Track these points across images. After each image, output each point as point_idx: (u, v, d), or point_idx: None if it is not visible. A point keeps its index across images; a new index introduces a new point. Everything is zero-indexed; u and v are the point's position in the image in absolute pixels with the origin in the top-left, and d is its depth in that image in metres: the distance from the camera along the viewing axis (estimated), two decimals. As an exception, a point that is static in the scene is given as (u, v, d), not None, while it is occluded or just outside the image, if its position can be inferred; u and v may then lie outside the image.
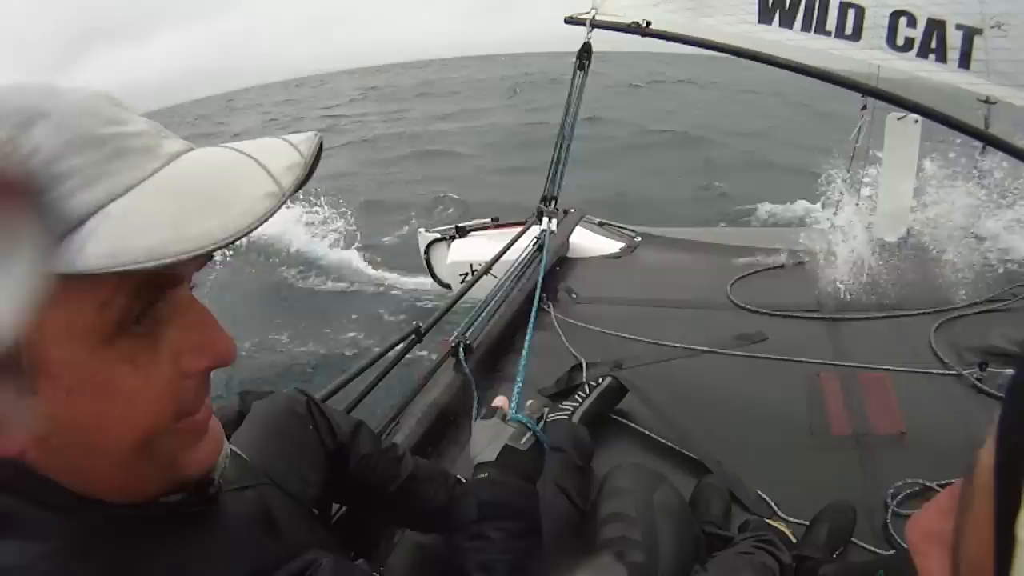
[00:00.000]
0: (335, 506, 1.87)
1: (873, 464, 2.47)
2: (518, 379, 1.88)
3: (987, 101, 3.69)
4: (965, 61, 3.11)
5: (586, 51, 4.10)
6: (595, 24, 4.01)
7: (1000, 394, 1.78)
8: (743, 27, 3.60)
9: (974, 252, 4.40)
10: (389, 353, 2.78)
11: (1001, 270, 4.10)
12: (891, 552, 2.05)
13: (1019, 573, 0.31)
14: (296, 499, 1.23)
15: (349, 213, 10.82)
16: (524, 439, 1.45)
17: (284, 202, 0.59)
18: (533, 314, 2.76)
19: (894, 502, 2.23)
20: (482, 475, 1.40)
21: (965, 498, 0.37)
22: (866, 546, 2.10)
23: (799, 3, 3.42)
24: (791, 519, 2.20)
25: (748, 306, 3.73)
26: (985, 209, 4.69)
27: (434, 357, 3.05)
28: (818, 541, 2.03)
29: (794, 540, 2.03)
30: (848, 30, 3.33)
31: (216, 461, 0.78)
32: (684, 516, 1.80)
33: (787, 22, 3.48)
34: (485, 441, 1.45)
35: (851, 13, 3.31)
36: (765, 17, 3.53)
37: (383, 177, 15.20)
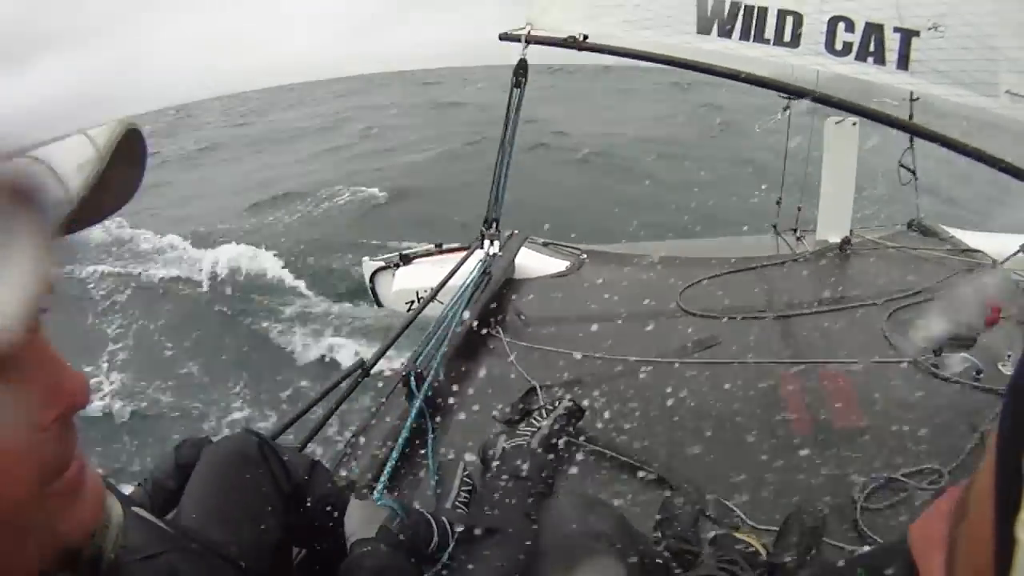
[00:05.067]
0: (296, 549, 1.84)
1: (837, 461, 2.48)
2: (388, 465, 1.98)
3: (911, 99, 3.75)
4: (904, 63, 3.15)
5: (522, 68, 3.99)
6: (531, 40, 3.93)
7: (957, 378, 2.07)
8: (682, 38, 3.59)
9: (916, 244, 4.54)
10: (336, 388, 2.71)
11: (944, 258, 4.26)
12: (864, 548, 2.06)
13: (1019, 574, 0.31)
14: (228, 559, 1.20)
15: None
16: (395, 523, 1.56)
17: (75, 206, 0.53)
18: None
19: (862, 497, 2.25)
20: (364, 549, 1.46)
21: (964, 502, 0.39)
22: (839, 544, 2.10)
23: (738, 13, 3.43)
24: (761, 527, 2.18)
25: (699, 312, 3.70)
26: (923, 203, 4.84)
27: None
28: (790, 546, 2.01)
29: (764, 552, 2.00)
30: (787, 37, 3.35)
31: (99, 518, 0.69)
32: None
33: (725, 32, 3.48)
34: (363, 521, 1.53)
35: (789, 20, 3.33)
36: (704, 28, 3.52)
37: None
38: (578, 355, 3.26)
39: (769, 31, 3.37)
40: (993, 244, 4.44)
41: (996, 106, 3.03)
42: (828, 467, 2.47)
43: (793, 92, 3.80)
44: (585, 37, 3.80)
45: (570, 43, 3.83)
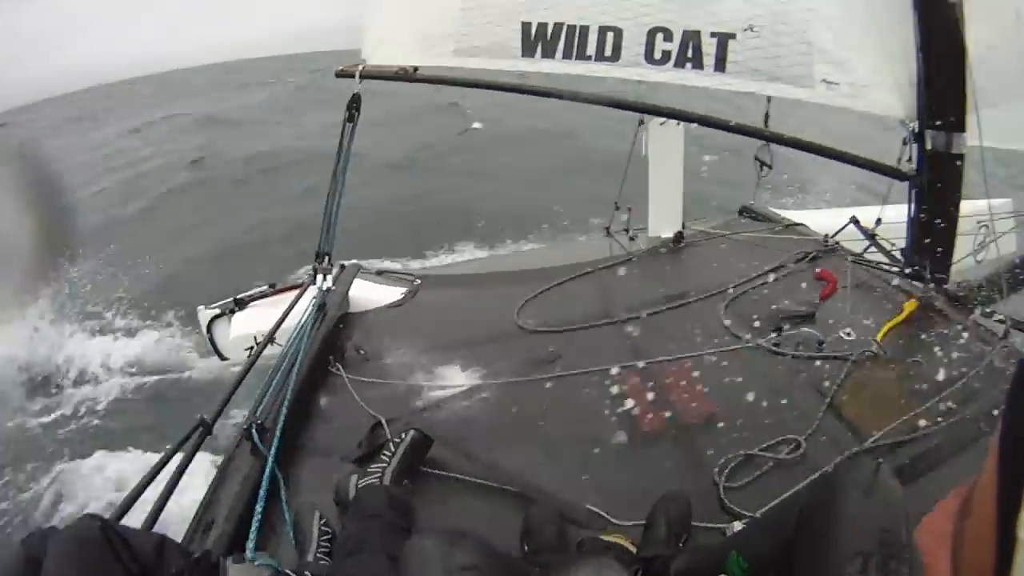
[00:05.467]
0: None
1: (694, 449, 2.54)
2: (253, 523, 2.01)
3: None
4: (721, 65, 3.30)
5: (355, 102, 3.98)
6: (364, 75, 3.93)
7: (800, 352, 2.20)
8: (508, 62, 3.67)
9: (749, 230, 4.78)
10: (177, 454, 2.54)
11: (778, 239, 4.46)
12: (735, 524, 2.10)
13: (1019, 573, 0.32)
14: None
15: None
16: None
17: None
18: None
19: (723, 477, 2.31)
20: None
21: (968, 501, 0.40)
22: (709, 525, 2.13)
23: (560, 33, 3.53)
24: (628, 523, 2.19)
25: (537, 327, 3.71)
26: (756, 192, 5.04)
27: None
28: (659, 537, 2.02)
29: (633, 549, 2.00)
30: (607, 52, 3.47)
31: None
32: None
33: (549, 53, 3.58)
34: None
35: (610, 36, 3.45)
36: (528, 51, 3.60)
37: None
38: (420, 384, 3.22)
39: (591, 48, 3.49)
40: (823, 221, 4.70)
41: (813, 96, 3.21)
42: (686, 456, 2.53)
43: (626, 107, 3.95)
44: (415, 69, 3.85)
45: (401, 76, 3.90)
